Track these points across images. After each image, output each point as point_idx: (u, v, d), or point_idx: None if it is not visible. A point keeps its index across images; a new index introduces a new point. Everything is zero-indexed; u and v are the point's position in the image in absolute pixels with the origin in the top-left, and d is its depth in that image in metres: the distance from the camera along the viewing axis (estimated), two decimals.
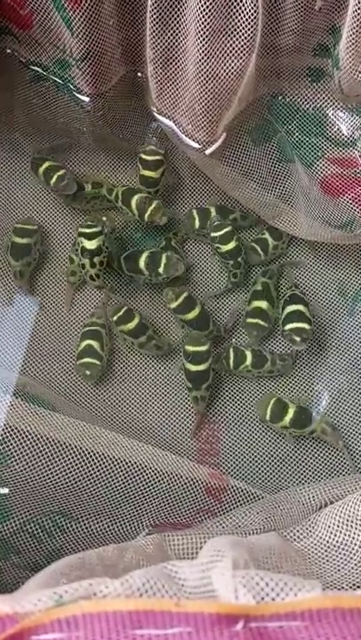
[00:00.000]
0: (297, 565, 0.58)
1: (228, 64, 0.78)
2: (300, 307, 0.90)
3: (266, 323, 0.92)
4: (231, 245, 0.93)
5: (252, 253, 0.95)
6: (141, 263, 0.91)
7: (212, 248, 0.96)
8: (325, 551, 0.64)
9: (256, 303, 0.92)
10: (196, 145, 0.90)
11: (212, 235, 0.93)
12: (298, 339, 0.88)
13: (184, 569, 0.46)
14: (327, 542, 0.64)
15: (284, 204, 0.92)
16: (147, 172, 0.93)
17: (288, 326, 0.89)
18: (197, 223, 0.95)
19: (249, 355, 0.89)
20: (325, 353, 0.93)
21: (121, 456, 0.77)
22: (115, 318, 0.90)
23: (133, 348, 0.91)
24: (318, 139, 0.89)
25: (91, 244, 0.89)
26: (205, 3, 0.73)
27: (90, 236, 0.89)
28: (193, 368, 0.87)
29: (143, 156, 0.93)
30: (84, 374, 0.88)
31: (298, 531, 0.67)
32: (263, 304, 0.92)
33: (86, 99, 0.92)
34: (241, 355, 0.89)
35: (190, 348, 0.87)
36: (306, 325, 0.88)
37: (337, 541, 0.64)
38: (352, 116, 0.87)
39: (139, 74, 0.92)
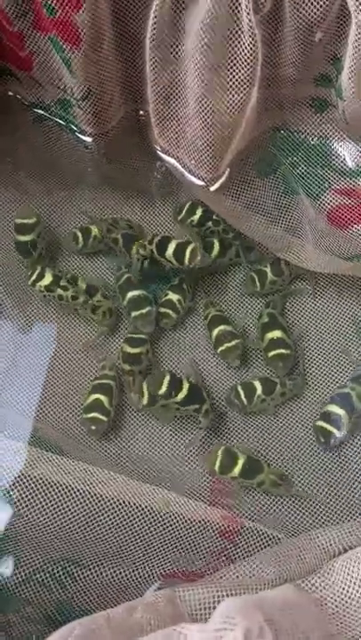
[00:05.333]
0: (316, 622, 0.55)
1: (228, 98, 0.78)
2: (341, 411, 0.86)
3: (288, 350, 0.90)
4: (199, 213, 0.95)
5: (249, 282, 0.95)
6: (127, 297, 0.92)
7: (189, 234, 0.96)
8: (346, 602, 0.61)
9: (270, 335, 0.91)
10: (201, 182, 0.89)
11: (179, 217, 0.96)
12: (322, 439, 0.86)
13: (194, 633, 0.44)
14: (347, 594, 0.61)
15: (291, 236, 0.90)
16: (157, 253, 0.92)
17: (319, 423, 0.87)
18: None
19: (258, 384, 0.88)
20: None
21: (132, 500, 0.75)
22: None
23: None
24: (324, 170, 0.88)
25: (46, 280, 0.92)
26: (204, 39, 0.73)
27: (38, 279, 0.92)
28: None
29: (188, 250, 0.89)
30: (90, 429, 0.87)
31: (316, 580, 0.63)
32: (277, 333, 0.91)
33: (89, 139, 0.92)
34: (250, 387, 0.88)
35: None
36: (337, 433, 0.86)
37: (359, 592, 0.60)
38: (357, 145, 0.86)
39: (140, 112, 0.91)
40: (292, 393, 0.89)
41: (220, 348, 0.91)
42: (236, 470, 0.83)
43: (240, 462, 0.83)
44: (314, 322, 0.95)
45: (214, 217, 0.95)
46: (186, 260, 0.90)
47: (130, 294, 0.93)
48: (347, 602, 0.60)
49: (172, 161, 0.90)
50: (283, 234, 0.90)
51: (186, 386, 0.86)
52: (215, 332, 0.91)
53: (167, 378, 0.86)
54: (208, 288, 0.97)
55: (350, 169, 0.87)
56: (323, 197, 0.89)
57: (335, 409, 0.86)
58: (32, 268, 0.94)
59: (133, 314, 0.92)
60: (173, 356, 0.93)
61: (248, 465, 0.83)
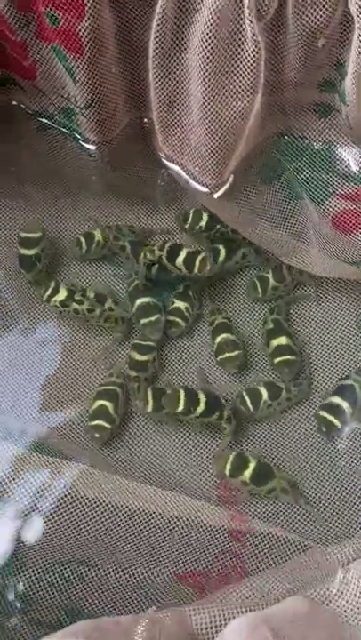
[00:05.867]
0: (329, 634, 0.55)
1: (232, 105, 0.78)
2: (344, 403, 0.86)
3: (294, 356, 0.90)
4: (205, 218, 0.94)
5: (251, 289, 0.95)
6: (136, 303, 0.92)
7: (198, 240, 0.96)
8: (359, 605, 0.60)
9: (275, 341, 0.91)
10: (205, 189, 0.89)
11: (186, 225, 0.95)
12: (324, 429, 0.86)
13: None
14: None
15: (296, 241, 0.90)
16: (167, 260, 0.92)
17: (321, 413, 0.87)
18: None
19: (263, 390, 0.87)
20: None
21: (140, 506, 0.76)
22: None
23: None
24: (328, 175, 0.88)
25: (61, 295, 0.92)
26: (207, 46, 0.73)
27: (52, 294, 0.92)
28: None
29: (198, 259, 0.90)
30: (94, 436, 0.86)
31: (328, 588, 0.63)
32: (283, 339, 0.91)
33: (93, 147, 0.92)
34: (255, 393, 0.87)
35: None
36: (339, 424, 0.85)
37: None
38: None
39: (145, 119, 0.92)
40: (297, 398, 0.89)
41: (221, 357, 0.90)
42: (247, 474, 0.82)
43: (251, 466, 0.82)
44: (319, 326, 0.95)
45: (213, 232, 0.94)
46: (195, 269, 0.90)
47: (139, 301, 0.93)
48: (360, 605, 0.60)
49: (177, 168, 0.90)
50: (288, 239, 0.90)
51: (202, 398, 0.85)
52: (218, 339, 0.91)
53: (182, 394, 0.85)
54: (214, 294, 0.97)
55: (355, 174, 0.86)
56: (327, 202, 0.88)
57: (338, 400, 0.86)
58: (44, 283, 0.93)
59: (142, 321, 0.91)
60: (180, 363, 0.93)
61: (259, 469, 0.82)
